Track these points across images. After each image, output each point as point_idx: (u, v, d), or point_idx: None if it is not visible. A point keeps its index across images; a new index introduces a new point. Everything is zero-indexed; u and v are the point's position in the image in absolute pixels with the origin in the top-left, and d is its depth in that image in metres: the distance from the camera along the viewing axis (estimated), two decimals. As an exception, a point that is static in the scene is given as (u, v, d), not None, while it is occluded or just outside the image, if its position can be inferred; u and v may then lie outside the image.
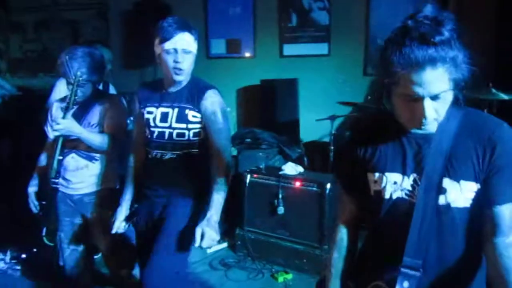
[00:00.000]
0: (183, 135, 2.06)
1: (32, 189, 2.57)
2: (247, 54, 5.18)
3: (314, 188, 3.29)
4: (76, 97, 2.28)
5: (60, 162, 2.38)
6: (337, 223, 1.47)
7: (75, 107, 2.36)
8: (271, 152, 4.16)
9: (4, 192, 4.32)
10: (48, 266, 3.44)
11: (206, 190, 2.09)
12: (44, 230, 2.62)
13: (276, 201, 3.37)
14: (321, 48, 4.95)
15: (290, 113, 4.78)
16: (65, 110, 2.29)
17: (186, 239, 2.07)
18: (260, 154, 4.08)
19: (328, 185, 3.23)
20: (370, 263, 1.39)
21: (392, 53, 1.15)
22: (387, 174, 1.28)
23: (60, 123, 2.22)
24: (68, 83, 2.33)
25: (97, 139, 2.36)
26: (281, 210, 3.36)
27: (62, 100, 2.54)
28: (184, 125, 2.05)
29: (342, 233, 1.45)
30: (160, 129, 2.08)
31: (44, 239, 2.61)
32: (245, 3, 5.12)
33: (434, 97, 1.14)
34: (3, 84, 4.57)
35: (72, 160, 2.44)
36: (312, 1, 4.92)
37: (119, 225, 2.20)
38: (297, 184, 3.35)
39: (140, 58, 4.71)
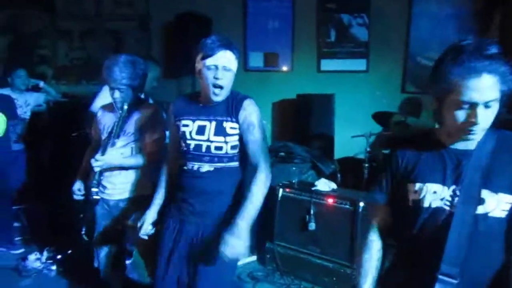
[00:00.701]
0: (221, 148, 2.05)
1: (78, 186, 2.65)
2: (284, 68, 5.21)
3: (347, 206, 3.24)
4: (119, 130, 2.40)
5: (101, 173, 2.47)
6: (368, 234, 1.57)
7: (117, 140, 2.45)
8: (304, 166, 4.14)
9: (43, 194, 4.49)
10: (82, 268, 3.55)
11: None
12: (84, 229, 2.70)
13: (307, 216, 3.34)
14: (359, 64, 4.93)
15: (325, 128, 4.75)
16: (106, 143, 2.41)
17: (230, 269, 2.09)
18: (294, 168, 4.06)
19: (361, 204, 3.18)
20: (403, 272, 1.46)
21: (450, 63, 1.27)
22: (427, 184, 1.38)
23: (100, 160, 2.37)
24: (110, 88, 2.41)
25: (133, 161, 2.46)
26: (312, 226, 3.33)
27: (106, 107, 2.63)
28: (222, 138, 2.04)
29: (374, 237, 1.56)
30: (197, 142, 2.07)
31: (83, 236, 2.69)
32: (284, 17, 5.16)
33: (486, 105, 1.26)
34: (49, 90, 4.74)
35: (108, 167, 2.51)
36: (352, 17, 4.91)
37: (146, 228, 2.21)
38: (330, 200, 3.32)
39: (179, 68, 4.80)
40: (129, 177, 2.54)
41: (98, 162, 2.36)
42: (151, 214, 2.23)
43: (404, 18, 4.68)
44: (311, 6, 5.02)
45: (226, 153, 2.06)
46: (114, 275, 2.74)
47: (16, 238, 4.07)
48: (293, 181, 3.68)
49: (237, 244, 1.85)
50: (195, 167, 2.08)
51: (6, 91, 4.15)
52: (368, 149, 4.12)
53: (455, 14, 4.52)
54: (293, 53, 5.15)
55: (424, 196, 1.37)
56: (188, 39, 4.76)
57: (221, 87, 1.99)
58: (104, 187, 2.55)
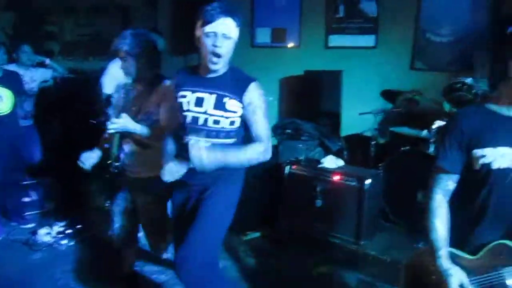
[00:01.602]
0: (218, 122, 2.02)
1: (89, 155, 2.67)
2: (292, 44, 5.15)
3: (354, 183, 3.25)
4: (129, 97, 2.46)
5: (119, 148, 2.52)
6: (432, 195, 1.69)
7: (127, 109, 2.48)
8: (312, 144, 4.14)
9: (53, 169, 4.54)
10: (93, 241, 3.62)
11: (241, 178, 2.10)
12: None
13: (314, 193, 3.35)
14: (368, 40, 4.86)
15: (332, 105, 4.73)
16: (121, 108, 2.44)
17: (220, 225, 2.10)
18: (301, 145, 4.06)
19: (368, 181, 3.19)
20: (476, 227, 1.64)
21: None
22: (499, 148, 1.55)
23: (115, 122, 2.36)
24: (121, 59, 2.44)
25: (151, 132, 2.44)
26: (319, 203, 3.34)
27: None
28: (221, 113, 2.00)
29: (440, 202, 1.67)
30: (194, 114, 2.03)
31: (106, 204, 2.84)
32: (292, -8, 5.08)
33: None
34: (55, 66, 4.73)
35: (128, 145, 2.54)
36: (361, -9, 4.82)
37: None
38: (336, 177, 3.32)
39: (186, 45, 4.75)
40: (149, 156, 2.53)
41: (113, 125, 2.37)
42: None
43: (415, -7, 4.58)
44: (320, -19, 4.93)
45: (223, 127, 2.02)
46: (127, 245, 2.83)
47: (27, 213, 4.13)
48: (300, 158, 3.68)
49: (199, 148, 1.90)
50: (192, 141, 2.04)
51: (12, 67, 4.15)
52: (376, 127, 4.10)
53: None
54: (301, 29, 5.09)
55: (494, 159, 1.55)
56: (194, 15, 4.70)
57: (219, 56, 1.92)
58: (124, 163, 2.58)
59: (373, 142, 4.10)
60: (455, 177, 1.67)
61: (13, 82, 3.70)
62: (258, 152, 2.01)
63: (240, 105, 2.02)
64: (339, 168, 3.46)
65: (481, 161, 1.57)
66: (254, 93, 2.01)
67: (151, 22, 5.55)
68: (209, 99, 2.01)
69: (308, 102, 4.81)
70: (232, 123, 2.03)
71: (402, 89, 4.41)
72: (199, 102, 2.02)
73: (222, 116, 2.00)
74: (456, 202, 1.69)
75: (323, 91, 4.71)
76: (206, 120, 2.01)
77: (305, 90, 4.89)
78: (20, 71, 4.19)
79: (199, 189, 2.17)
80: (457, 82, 3.54)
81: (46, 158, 4.74)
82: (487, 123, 1.59)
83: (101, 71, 3.50)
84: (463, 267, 1.58)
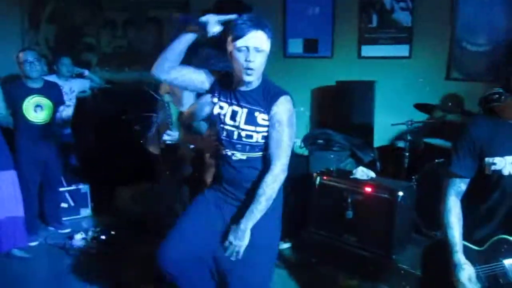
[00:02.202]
0: (251, 137, 2.02)
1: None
2: (324, 54, 5.14)
3: (385, 195, 3.19)
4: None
5: None
6: (447, 197, 1.87)
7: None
8: (343, 154, 4.10)
9: (90, 176, 4.68)
10: (125, 248, 3.70)
11: (279, 194, 2.07)
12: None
13: (345, 205, 3.31)
14: (402, 50, 4.78)
15: (365, 115, 4.67)
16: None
17: (269, 254, 2.13)
18: (332, 156, 4.03)
19: (400, 193, 3.13)
20: (485, 226, 1.83)
21: None
22: (506, 157, 1.72)
23: (169, 134, 2.78)
24: None
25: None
26: (349, 214, 3.29)
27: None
28: (252, 127, 2.01)
29: (455, 202, 1.85)
30: (229, 127, 2.05)
31: None
32: (324, 2, 5.08)
33: None
34: (93, 77, 4.90)
35: None
36: (395, 1, 4.76)
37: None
38: (368, 189, 3.27)
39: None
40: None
41: (167, 136, 2.80)
42: None
43: (449, 2, 4.49)
44: (352, -9, 4.91)
45: (257, 141, 2.02)
46: None
47: (64, 218, 4.27)
48: (331, 168, 3.65)
49: (237, 246, 1.97)
50: (229, 154, 2.07)
51: (52, 78, 4.33)
52: (409, 138, 4.03)
53: (504, -3, 4.30)
54: (333, 39, 5.07)
55: (504, 166, 1.72)
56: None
57: (252, 69, 1.92)
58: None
59: (406, 154, 4.02)
60: (467, 180, 1.85)
61: (53, 92, 3.85)
62: (275, 179, 1.98)
63: (267, 117, 2.00)
64: (371, 179, 3.41)
65: (492, 168, 1.75)
66: (280, 107, 1.98)
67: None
68: (242, 114, 2.02)
69: (340, 113, 4.77)
70: (264, 137, 2.02)
71: (438, 98, 4.33)
72: (233, 116, 2.03)
73: (254, 131, 2.01)
74: (468, 201, 1.87)
75: (355, 101, 4.66)
76: (239, 135, 2.02)
77: (337, 101, 4.86)
78: (60, 82, 4.37)
79: (234, 203, 2.13)
80: (494, 92, 3.44)
81: (82, 165, 4.90)
82: (496, 132, 1.76)
83: (135, 81, 3.65)
84: (470, 257, 1.78)
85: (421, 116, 4.19)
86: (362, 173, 3.44)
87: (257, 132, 2.01)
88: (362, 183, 3.34)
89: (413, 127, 4.06)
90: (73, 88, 4.59)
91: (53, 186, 4.08)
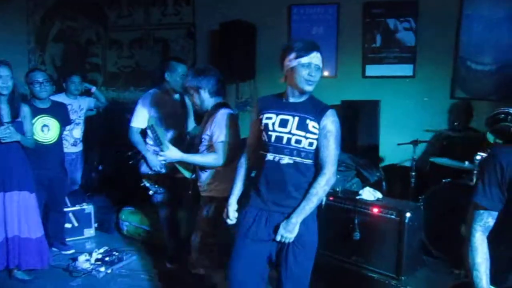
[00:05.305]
0: (300, 142, 2.20)
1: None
2: (329, 74, 5.15)
3: (393, 216, 3.16)
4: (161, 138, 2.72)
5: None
6: (472, 232, 1.69)
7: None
8: (349, 174, 4.07)
9: (94, 196, 4.67)
10: (130, 270, 3.65)
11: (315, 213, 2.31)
12: None
13: (352, 226, 3.28)
14: (406, 70, 4.81)
15: (370, 135, 4.66)
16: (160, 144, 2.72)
17: (313, 250, 2.36)
18: (338, 176, 3.99)
19: (408, 214, 3.09)
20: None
21: None
22: None
23: (161, 155, 2.74)
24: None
25: (199, 159, 2.82)
26: (357, 235, 3.26)
27: None
28: (303, 133, 2.20)
29: (482, 240, 1.67)
30: (278, 134, 2.23)
31: None
32: (328, 22, 5.12)
33: None
34: (99, 96, 4.92)
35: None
36: (398, 21, 4.80)
37: (233, 215, 2.40)
38: (375, 210, 3.24)
39: (224, 75, 4.84)
40: (209, 177, 2.87)
41: (160, 157, 2.77)
42: (233, 202, 2.43)
43: (454, 21, 4.52)
44: (356, 12, 4.95)
45: (304, 147, 2.21)
46: None
47: (68, 239, 4.24)
48: (337, 189, 3.62)
49: (288, 237, 2.19)
50: (276, 159, 2.23)
51: (61, 96, 4.36)
52: (415, 157, 4.01)
53: (507, 16, 4.32)
54: (338, 59, 5.10)
55: None
56: (233, 47, 4.81)
57: (313, 82, 2.21)
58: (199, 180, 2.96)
59: (412, 173, 3.99)
60: (495, 214, 1.67)
61: (60, 112, 3.86)
62: (326, 182, 2.21)
63: (318, 126, 2.21)
64: (378, 200, 3.38)
65: None
66: (330, 119, 2.23)
67: (189, 53, 5.71)
68: (293, 121, 2.23)
69: (345, 132, 4.73)
70: (310, 144, 2.22)
71: (441, 119, 4.32)
72: (283, 123, 2.24)
73: (304, 137, 2.20)
74: (495, 237, 1.70)
75: (360, 121, 4.65)
76: (289, 140, 2.21)
77: (342, 120, 4.83)
78: (69, 100, 4.41)
79: (280, 210, 2.27)
80: (501, 112, 3.43)
81: (88, 185, 4.89)
82: None
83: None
84: None
85: (427, 136, 4.18)
86: (369, 193, 3.41)
87: (306, 138, 2.21)
88: (369, 204, 3.31)
89: (418, 147, 4.05)
90: (82, 106, 4.63)
91: (58, 207, 4.05)
